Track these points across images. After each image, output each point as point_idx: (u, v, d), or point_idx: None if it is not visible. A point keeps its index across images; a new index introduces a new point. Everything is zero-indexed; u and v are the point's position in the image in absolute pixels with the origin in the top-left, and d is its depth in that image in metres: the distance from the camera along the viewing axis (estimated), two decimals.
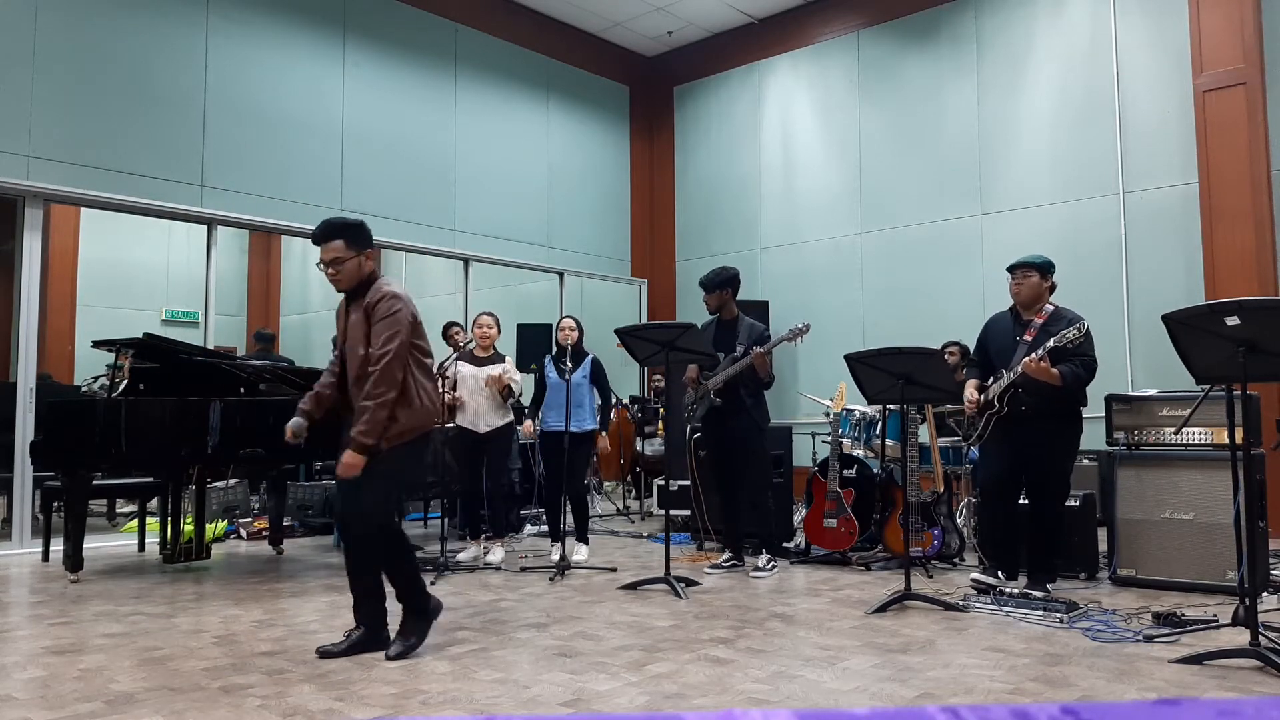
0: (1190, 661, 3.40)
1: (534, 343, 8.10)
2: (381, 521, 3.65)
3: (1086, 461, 6.69)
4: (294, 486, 7.48)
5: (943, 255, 8.86)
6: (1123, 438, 5.10)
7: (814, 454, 7.50)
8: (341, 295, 3.82)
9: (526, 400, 6.56)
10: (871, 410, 6.05)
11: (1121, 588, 4.92)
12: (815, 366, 9.29)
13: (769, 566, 5.52)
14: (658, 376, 9.19)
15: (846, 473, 5.93)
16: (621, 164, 11.18)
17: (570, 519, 6.12)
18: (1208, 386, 4.11)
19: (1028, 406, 4.57)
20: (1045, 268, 4.76)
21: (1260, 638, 3.36)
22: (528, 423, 6.25)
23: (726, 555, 5.72)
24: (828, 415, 6.11)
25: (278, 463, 6.38)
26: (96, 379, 7.84)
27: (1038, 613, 4.20)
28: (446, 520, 6.06)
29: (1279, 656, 3.25)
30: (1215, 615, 3.97)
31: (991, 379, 4.78)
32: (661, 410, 8.50)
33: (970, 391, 4.80)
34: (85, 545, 5.59)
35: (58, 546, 5.86)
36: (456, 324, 7.57)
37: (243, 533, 7.22)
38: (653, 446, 8.63)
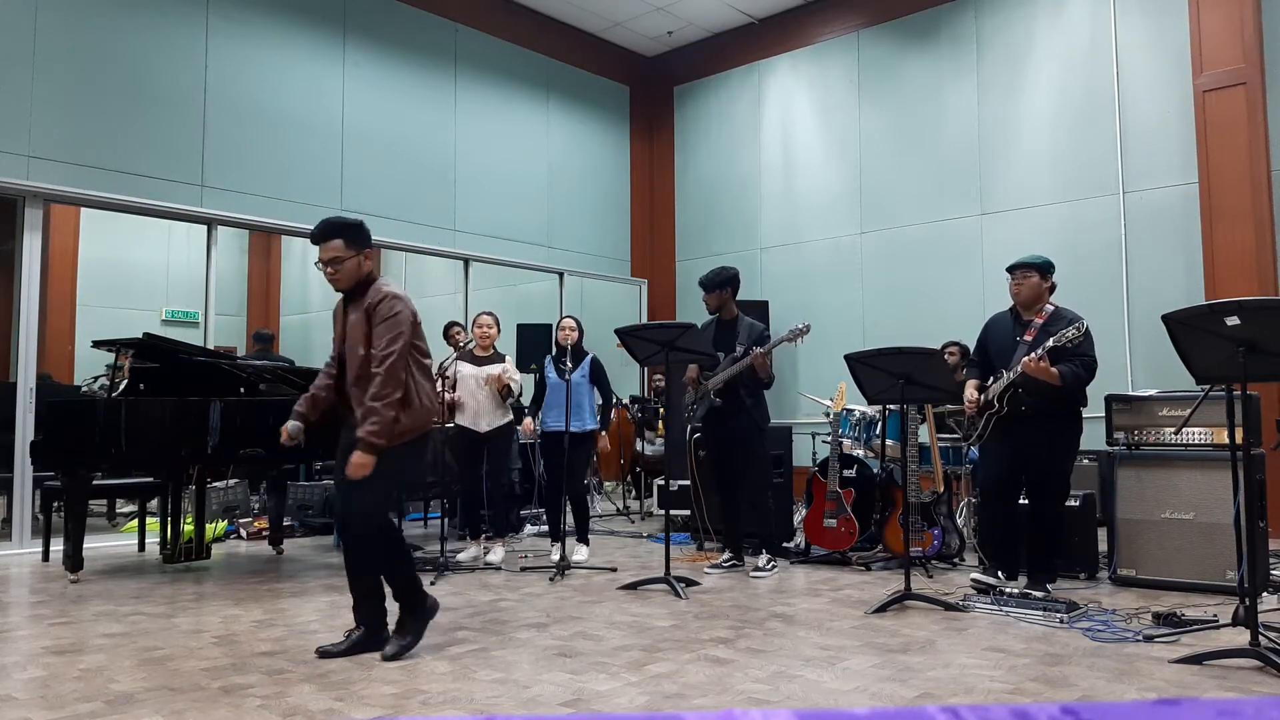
0: (1190, 661, 3.40)
1: (534, 343, 8.10)
2: (381, 521, 3.66)
3: (1086, 461, 6.69)
4: (294, 486, 7.48)
5: (943, 255, 8.86)
6: (1123, 438, 5.10)
7: (814, 454, 7.50)
8: (340, 295, 3.82)
9: (526, 400, 6.57)
10: (871, 410, 6.05)
11: (1121, 588, 4.92)
12: (815, 366, 9.30)
13: (769, 566, 5.52)
14: (658, 376, 9.19)
15: (846, 473, 5.93)
16: (621, 164, 11.17)
17: (570, 519, 6.13)
18: (1208, 386, 4.11)
19: (1028, 406, 4.57)
20: (1045, 268, 4.77)
21: (1260, 638, 3.36)
22: (528, 420, 6.25)
23: (726, 555, 5.72)
24: (828, 415, 6.11)
25: (278, 463, 6.38)
26: (96, 379, 7.84)
27: (1038, 613, 4.20)
28: (446, 520, 6.06)
29: (1279, 656, 3.25)
30: (1215, 615, 3.97)
31: (991, 379, 4.78)
32: (661, 410, 8.50)
33: (970, 391, 4.80)
34: (85, 545, 5.59)
35: (58, 546, 5.86)
36: (457, 324, 7.58)
37: (243, 533, 7.22)
38: (653, 447, 8.63)
